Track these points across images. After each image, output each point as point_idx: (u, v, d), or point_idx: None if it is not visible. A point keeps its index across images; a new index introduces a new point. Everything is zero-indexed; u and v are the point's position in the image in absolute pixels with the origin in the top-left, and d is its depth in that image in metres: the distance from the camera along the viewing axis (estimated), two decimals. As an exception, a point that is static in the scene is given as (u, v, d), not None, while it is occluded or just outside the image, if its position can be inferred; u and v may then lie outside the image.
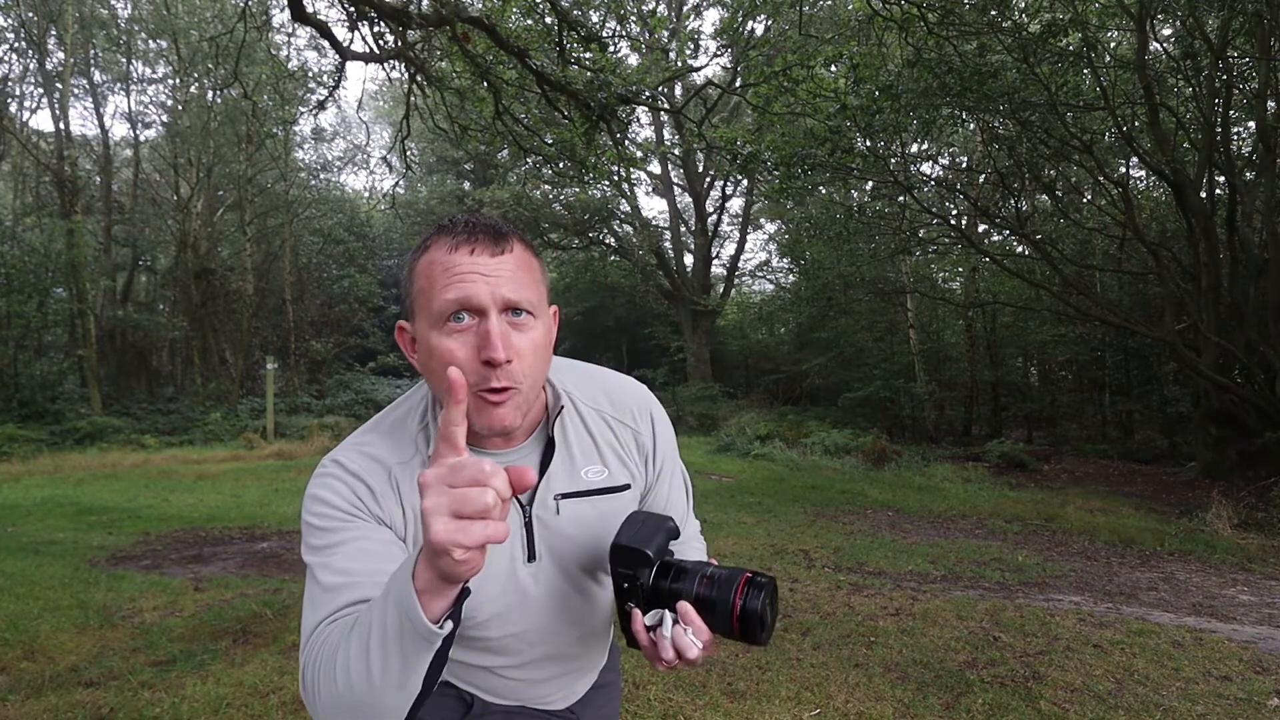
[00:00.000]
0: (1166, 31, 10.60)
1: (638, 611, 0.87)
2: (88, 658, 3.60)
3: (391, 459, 0.90)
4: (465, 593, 0.71)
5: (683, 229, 22.49)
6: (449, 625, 0.69)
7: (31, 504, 8.03)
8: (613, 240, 22.48)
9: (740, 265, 24.78)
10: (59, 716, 2.94)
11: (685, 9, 17.50)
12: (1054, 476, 11.48)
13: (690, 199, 21.81)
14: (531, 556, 0.94)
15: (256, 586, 4.88)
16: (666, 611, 0.86)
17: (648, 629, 0.86)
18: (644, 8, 14.24)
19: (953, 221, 14.19)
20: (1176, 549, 6.41)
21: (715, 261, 23.58)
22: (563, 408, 0.96)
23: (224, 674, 3.34)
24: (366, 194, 24.02)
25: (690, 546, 1.12)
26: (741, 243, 24.38)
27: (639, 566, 0.86)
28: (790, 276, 23.86)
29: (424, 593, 0.67)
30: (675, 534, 0.90)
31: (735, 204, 23.90)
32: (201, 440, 14.37)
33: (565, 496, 0.95)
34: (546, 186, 20.48)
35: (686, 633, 0.83)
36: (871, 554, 6.01)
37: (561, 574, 0.97)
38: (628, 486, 1.00)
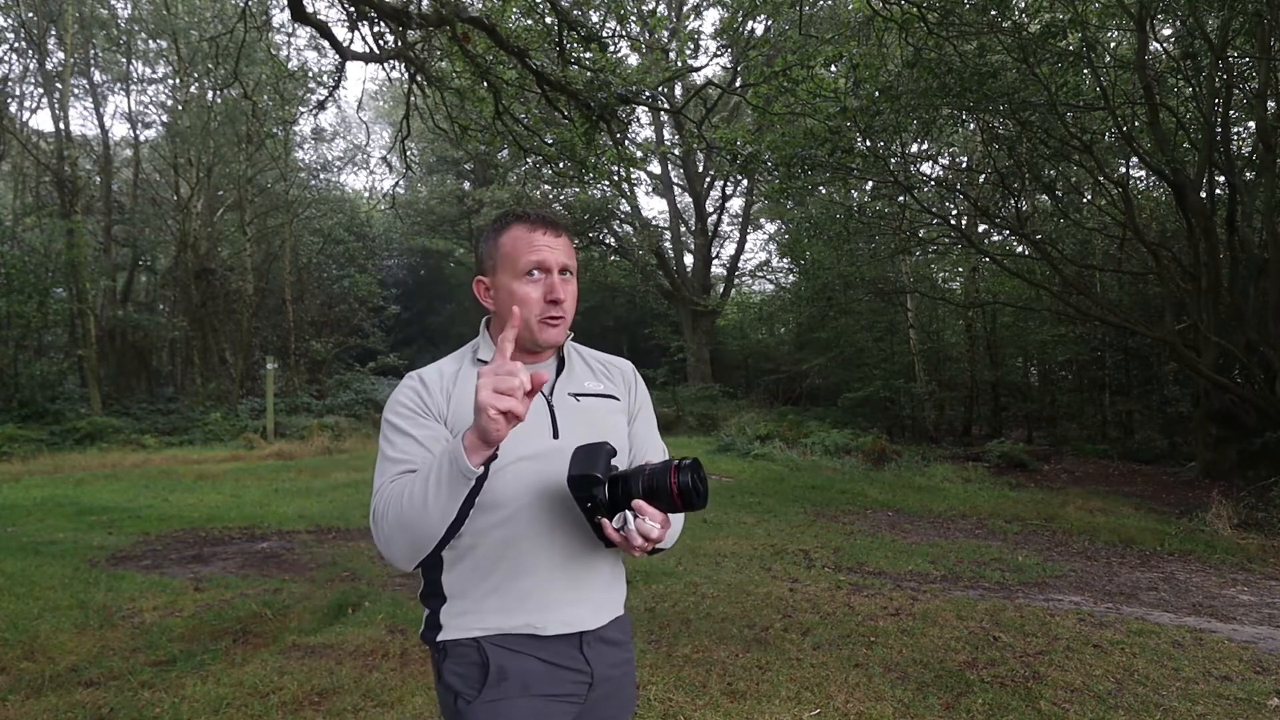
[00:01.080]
0: (1166, 31, 10.60)
1: (604, 520, 1.10)
2: (88, 658, 3.60)
3: (449, 369, 1.30)
4: (494, 456, 1.05)
5: (683, 229, 22.49)
6: (482, 469, 1.05)
7: (31, 504, 8.03)
8: (613, 240, 22.49)
9: (740, 265, 24.81)
10: (59, 716, 2.94)
11: (685, 9, 17.50)
12: (1054, 476, 11.48)
13: (690, 199, 21.81)
14: (556, 434, 1.25)
15: (256, 586, 4.88)
16: (626, 511, 1.08)
17: (617, 530, 1.09)
18: (644, 8, 14.23)
19: (953, 221, 14.19)
20: (1176, 549, 6.41)
21: (715, 261, 23.61)
22: (570, 335, 1.35)
23: (224, 674, 3.34)
24: (366, 194, 24.05)
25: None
26: (741, 243, 24.41)
27: (592, 487, 1.08)
28: (790, 276, 23.86)
29: (469, 449, 1.03)
30: (613, 453, 1.13)
31: (735, 204, 23.93)
32: (201, 440, 14.38)
33: (577, 395, 1.31)
34: (546, 186, 20.49)
35: (645, 520, 1.09)
36: (871, 554, 6.01)
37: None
38: (617, 399, 1.37)
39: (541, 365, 1.32)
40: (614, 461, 1.14)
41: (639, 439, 1.40)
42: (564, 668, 1.21)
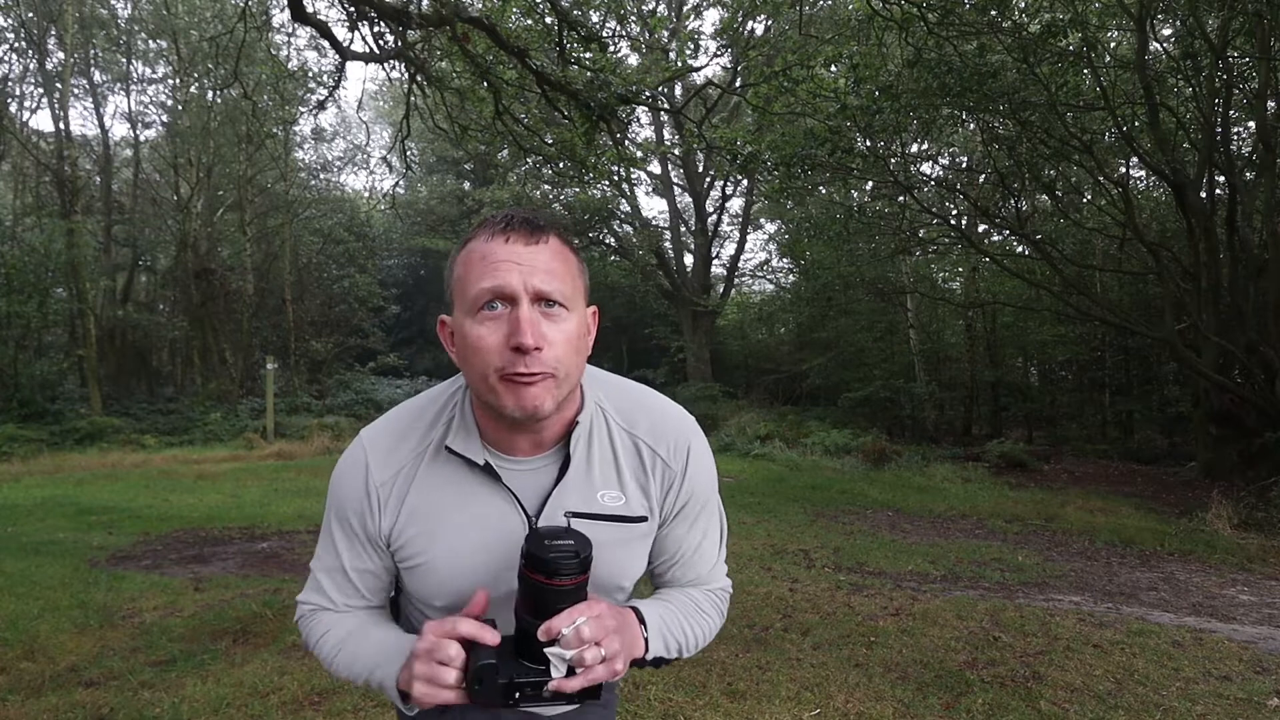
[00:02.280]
0: (1166, 31, 10.60)
1: (556, 681, 0.81)
2: (88, 658, 3.60)
3: (408, 453, 0.95)
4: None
5: (683, 229, 22.48)
6: (416, 709, 0.88)
7: (31, 504, 8.03)
8: (613, 240, 22.47)
9: (740, 265, 24.76)
10: (59, 716, 2.94)
11: (685, 9, 17.49)
12: (1054, 476, 11.48)
13: (690, 199, 21.80)
14: None
15: (256, 586, 4.88)
16: (546, 652, 0.80)
17: (567, 675, 0.81)
18: (644, 8, 14.25)
19: (953, 221, 14.19)
20: (1176, 549, 6.41)
21: (715, 261, 23.57)
22: (578, 421, 0.93)
23: (224, 674, 3.34)
24: (366, 194, 24.03)
25: (690, 599, 1.03)
26: (741, 243, 24.37)
27: (496, 679, 0.80)
28: (790, 276, 23.85)
29: (403, 690, 0.85)
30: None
31: (735, 204, 23.89)
32: (201, 440, 14.38)
33: (576, 516, 0.91)
34: (546, 186, 20.47)
35: (564, 634, 0.79)
36: (871, 554, 6.01)
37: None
38: (644, 519, 0.95)
39: (537, 461, 0.93)
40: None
41: (668, 551, 1.01)
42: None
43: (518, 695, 0.80)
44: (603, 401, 0.97)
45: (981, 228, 15.33)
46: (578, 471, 0.93)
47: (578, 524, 0.89)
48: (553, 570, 0.79)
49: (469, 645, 0.82)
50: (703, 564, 1.03)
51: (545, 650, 0.79)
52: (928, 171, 13.87)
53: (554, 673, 0.80)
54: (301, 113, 17.97)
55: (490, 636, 0.81)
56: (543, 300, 0.84)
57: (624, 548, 0.95)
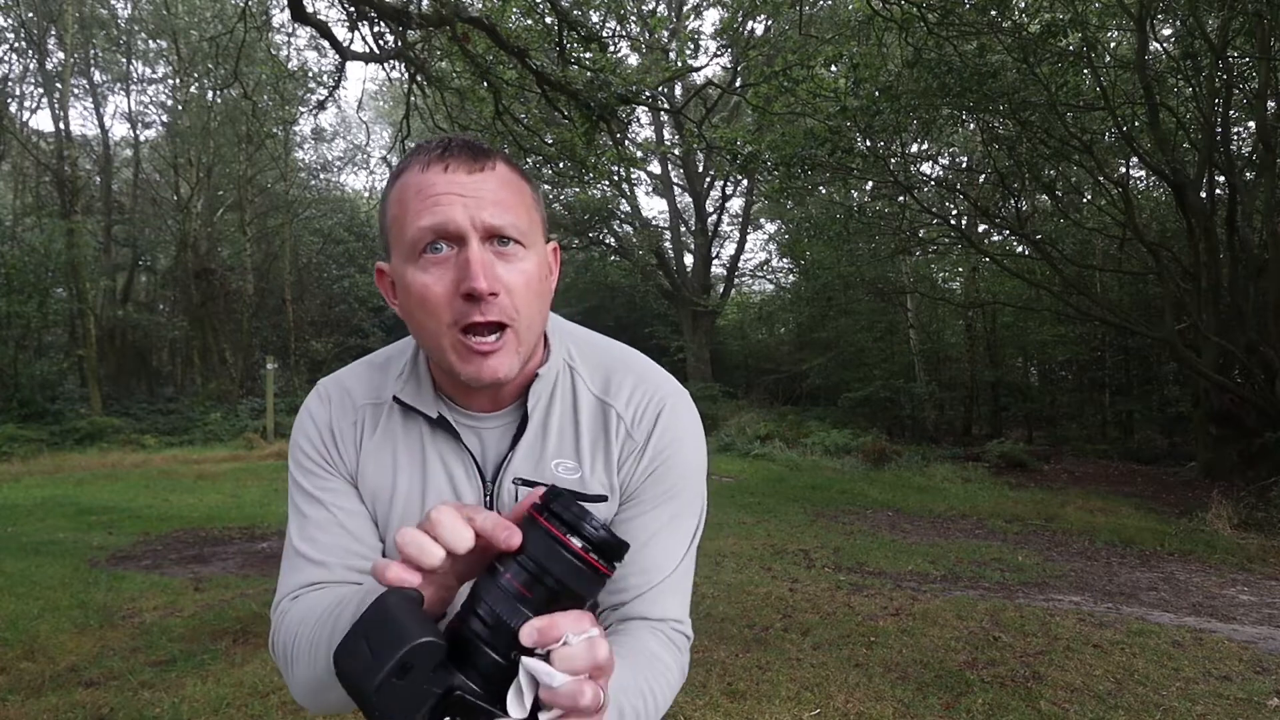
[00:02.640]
0: (1166, 31, 10.60)
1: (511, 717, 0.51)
2: (88, 658, 3.60)
3: (362, 403, 0.85)
4: None
5: (683, 229, 22.48)
6: None
7: (31, 504, 8.03)
8: (613, 240, 22.47)
9: (740, 265, 24.75)
10: (59, 716, 2.94)
11: (685, 9, 17.49)
12: (1054, 476, 11.48)
13: (690, 199, 21.79)
14: None
15: (256, 586, 4.88)
16: (523, 663, 0.52)
17: (537, 713, 0.52)
18: (644, 8, 14.25)
19: (953, 221, 14.19)
20: (1176, 549, 6.41)
21: (715, 261, 23.56)
22: (548, 365, 0.81)
23: (224, 674, 3.34)
24: (366, 194, 24.03)
25: (641, 650, 0.76)
26: (741, 243, 24.36)
27: (424, 671, 0.50)
28: (790, 276, 23.85)
29: None
30: (419, 599, 0.56)
31: (735, 204, 23.88)
32: (201, 440, 14.37)
33: (525, 484, 0.78)
34: (546, 186, 20.44)
35: (570, 642, 0.52)
36: (871, 554, 6.01)
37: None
38: (603, 499, 0.75)
39: (498, 417, 0.82)
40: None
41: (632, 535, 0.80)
42: None
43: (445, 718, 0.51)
44: (573, 360, 0.85)
45: (981, 228, 15.33)
46: (533, 435, 0.80)
47: (525, 493, 0.71)
48: (613, 552, 0.55)
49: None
50: (653, 567, 0.79)
51: (523, 660, 0.51)
52: (928, 171, 13.88)
53: (514, 705, 0.51)
54: (301, 113, 17.97)
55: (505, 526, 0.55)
56: (495, 237, 0.72)
57: None
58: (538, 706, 0.51)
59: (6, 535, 6.47)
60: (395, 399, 0.82)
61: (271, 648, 0.79)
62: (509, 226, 0.72)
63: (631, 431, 0.82)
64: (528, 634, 0.51)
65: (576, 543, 0.53)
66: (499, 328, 0.72)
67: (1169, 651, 3.68)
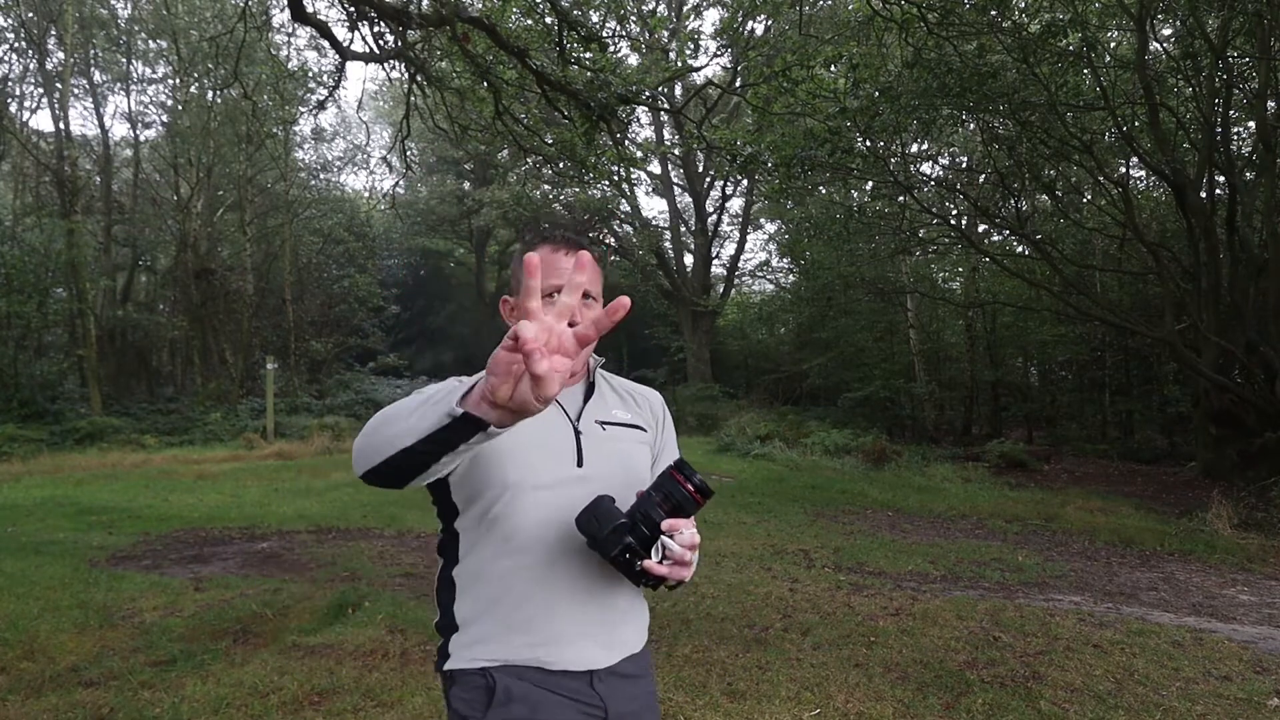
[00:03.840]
0: (1166, 31, 10.60)
1: (649, 562, 1.09)
2: (88, 658, 3.60)
3: None
4: (480, 424, 0.87)
5: (683, 229, 22.49)
6: (462, 413, 0.87)
7: (31, 504, 8.03)
8: (613, 240, 22.46)
9: (740, 265, 24.78)
10: (59, 716, 2.94)
11: (685, 9, 17.50)
12: (1054, 476, 11.48)
13: (690, 199, 21.81)
14: (580, 463, 1.22)
15: (256, 586, 4.87)
16: (661, 539, 1.09)
17: (661, 562, 1.10)
18: (644, 8, 14.26)
19: (953, 221, 14.19)
20: (1176, 549, 6.41)
21: (715, 261, 23.59)
22: (597, 368, 1.34)
23: (224, 674, 3.34)
24: (366, 194, 24.04)
25: None
26: (741, 243, 24.39)
27: (623, 538, 1.07)
28: (790, 276, 23.86)
29: (465, 396, 0.88)
30: (613, 500, 1.11)
31: (735, 204, 23.91)
32: (201, 440, 14.37)
33: (604, 423, 1.29)
34: (546, 186, 20.48)
35: (682, 533, 1.10)
36: (871, 554, 6.01)
37: (606, 481, 1.21)
38: (645, 430, 1.33)
39: (571, 389, 1.30)
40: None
41: (658, 469, 1.34)
42: (574, 700, 1.17)
43: (626, 555, 1.07)
44: (603, 371, 1.38)
45: (981, 228, 15.34)
46: (599, 396, 1.32)
47: (608, 427, 1.29)
48: (706, 494, 1.10)
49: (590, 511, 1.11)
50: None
51: (661, 538, 1.09)
52: (928, 171, 13.89)
53: (653, 554, 1.10)
54: (301, 113, 17.97)
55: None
56: (584, 295, 1.22)
57: (638, 447, 1.31)
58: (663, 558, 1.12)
59: (6, 535, 6.47)
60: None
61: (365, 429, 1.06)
62: (591, 290, 1.26)
63: (654, 409, 1.40)
64: (665, 525, 1.09)
65: (690, 487, 1.09)
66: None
67: (1169, 651, 3.68)
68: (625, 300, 0.81)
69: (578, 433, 1.24)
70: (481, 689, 1.16)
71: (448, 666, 1.20)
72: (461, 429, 0.89)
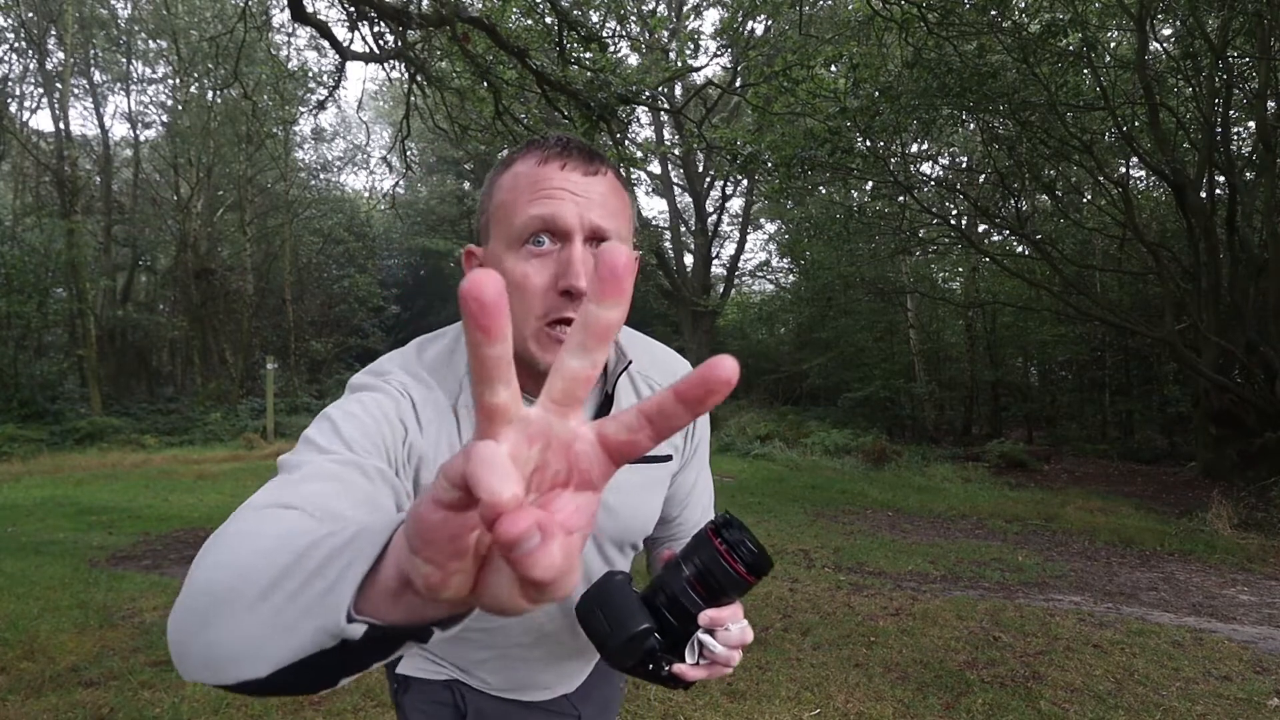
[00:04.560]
0: (1166, 31, 10.60)
1: (683, 666, 0.78)
2: (88, 658, 3.60)
3: (421, 400, 0.78)
4: (425, 633, 0.42)
5: (683, 229, 22.48)
6: (360, 631, 0.40)
7: (31, 504, 8.03)
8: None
9: (740, 265, 24.73)
10: (59, 716, 2.94)
11: (685, 9, 17.49)
12: (1054, 476, 11.48)
13: (690, 199, 21.79)
14: None
15: (256, 586, 4.87)
16: (696, 636, 0.77)
17: (698, 663, 0.78)
18: (644, 8, 14.24)
19: (953, 221, 14.19)
20: (1176, 549, 6.41)
21: (715, 261, 23.55)
22: (629, 363, 0.89)
23: (224, 674, 3.33)
24: (366, 194, 24.02)
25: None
26: (741, 243, 24.35)
27: (644, 642, 0.75)
28: (790, 276, 23.84)
29: (372, 579, 0.40)
30: (628, 579, 0.79)
31: (735, 204, 23.87)
32: (201, 440, 14.37)
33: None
34: (546, 186, 20.44)
35: (727, 629, 0.75)
36: (871, 554, 6.01)
37: (593, 544, 0.91)
38: (669, 459, 0.93)
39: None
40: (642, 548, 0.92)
41: (679, 495, 1.00)
42: (550, 710, 1.01)
43: (651, 666, 0.77)
44: (634, 358, 0.93)
45: (981, 228, 15.34)
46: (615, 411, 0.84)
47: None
48: (760, 571, 0.74)
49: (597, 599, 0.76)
50: (706, 497, 1.03)
51: (699, 635, 0.77)
52: (928, 171, 13.88)
53: (688, 656, 0.78)
54: (301, 113, 17.95)
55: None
56: (598, 239, 0.75)
57: (647, 491, 0.92)
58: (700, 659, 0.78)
59: (6, 535, 6.47)
60: (463, 406, 0.80)
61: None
62: (611, 230, 0.76)
63: None
64: (704, 619, 0.74)
65: (739, 565, 0.74)
66: None
67: (1169, 651, 3.67)
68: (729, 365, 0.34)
69: None
70: (446, 706, 0.95)
71: (401, 670, 0.97)
72: (369, 651, 0.42)
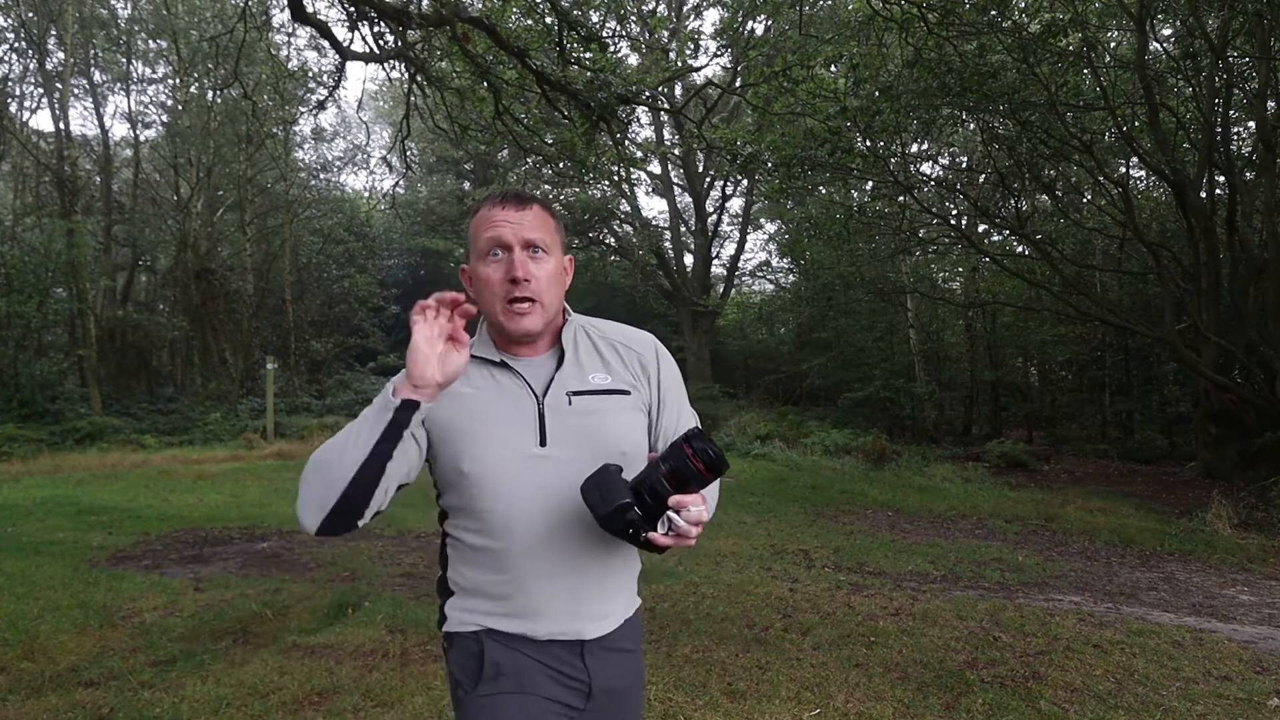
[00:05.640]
0: (1166, 31, 10.61)
1: (653, 535, 1.04)
2: (88, 658, 3.60)
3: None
4: (416, 405, 1.06)
5: (683, 229, 22.48)
6: (399, 401, 1.05)
7: (31, 504, 8.03)
8: (613, 240, 22.47)
9: (740, 265, 24.76)
10: (59, 716, 2.94)
11: (685, 9, 17.49)
12: (1054, 476, 11.48)
13: (690, 199, 21.79)
14: (543, 442, 1.16)
15: (256, 586, 4.87)
16: (668, 513, 1.04)
17: (665, 534, 1.05)
18: (644, 8, 14.24)
19: (953, 221, 14.19)
20: (1176, 549, 6.41)
21: (715, 261, 23.57)
22: (568, 322, 1.26)
23: (224, 674, 3.34)
24: (366, 194, 24.01)
25: None
26: (741, 243, 24.37)
27: (625, 514, 1.02)
28: (790, 276, 23.85)
29: (399, 385, 1.05)
30: (620, 469, 1.07)
31: (735, 204, 23.88)
32: (201, 440, 14.37)
33: (576, 394, 1.19)
34: (546, 186, 20.46)
35: (688, 510, 1.03)
36: (871, 554, 6.01)
37: (570, 460, 1.15)
38: (628, 392, 1.23)
39: (540, 359, 1.23)
40: (625, 468, 1.12)
41: (668, 428, 1.26)
42: (559, 672, 1.17)
43: (630, 530, 1.03)
44: (585, 324, 1.29)
45: (981, 228, 15.33)
46: (570, 363, 1.22)
47: (579, 399, 1.19)
48: (717, 470, 1.03)
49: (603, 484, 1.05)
50: (689, 424, 1.29)
51: (669, 513, 1.03)
52: (928, 171, 13.89)
53: (660, 527, 1.05)
54: (301, 113, 17.99)
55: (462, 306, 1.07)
56: (530, 246, 1.17)
57: (614, 415, 1.20)
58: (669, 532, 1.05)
59: (6, 535, 6.47)
60: (472, 355, 1.18)
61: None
62: (538, 240, 1.18)
63: (643, 356, 1.27)
64: (673, 501, 1.02)
65: (699, 464, 1.02)
66: (529, 300, 1.16)
67: (1169, 651, 3.67)
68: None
69: (541, 411, 1.17)
70: (474, 657, 1.17)
71: (445, 629, 1.22)
72: (399, 419, 1.05)
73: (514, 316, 1.16)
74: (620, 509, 1.02)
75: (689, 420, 1.29)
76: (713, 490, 1.20)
